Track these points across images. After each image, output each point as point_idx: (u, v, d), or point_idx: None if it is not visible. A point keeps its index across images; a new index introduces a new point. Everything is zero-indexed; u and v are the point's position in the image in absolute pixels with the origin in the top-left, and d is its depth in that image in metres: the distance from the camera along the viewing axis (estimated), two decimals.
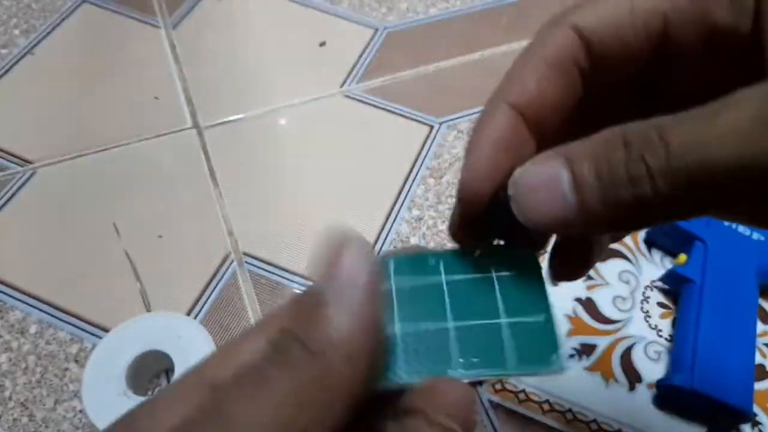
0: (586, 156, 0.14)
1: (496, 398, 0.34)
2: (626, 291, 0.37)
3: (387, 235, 0.41)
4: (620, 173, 0.13)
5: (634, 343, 0.36)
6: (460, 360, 0.14)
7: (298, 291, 0.38)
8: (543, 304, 0.16)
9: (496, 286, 0.16)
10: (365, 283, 0.13)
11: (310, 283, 0.13)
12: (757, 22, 0.14)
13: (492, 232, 0.17)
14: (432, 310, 0.15)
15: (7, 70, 0.48)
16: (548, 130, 0.16)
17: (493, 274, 0.16)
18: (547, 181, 0.14)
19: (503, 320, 0.15)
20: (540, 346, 0.15)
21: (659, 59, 0.15)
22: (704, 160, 0.12)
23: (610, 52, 0.15)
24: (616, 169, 0.13)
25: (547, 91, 0.16)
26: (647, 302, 0.37)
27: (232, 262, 0.39)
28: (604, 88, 0.16)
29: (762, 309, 0.37)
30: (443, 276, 0.16)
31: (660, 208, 0.13)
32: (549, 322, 0.15)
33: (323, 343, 0.12)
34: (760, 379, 0.35)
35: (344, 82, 0.49)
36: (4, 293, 0.38)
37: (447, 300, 0.16)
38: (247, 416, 0.11)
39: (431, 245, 0.40)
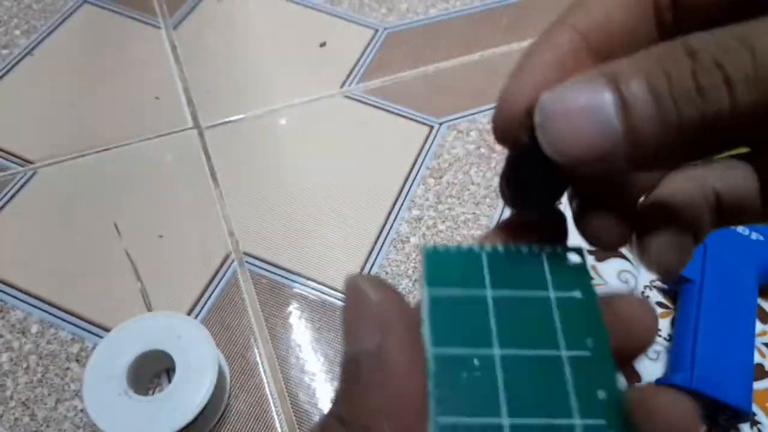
0: (636, 71, 0.11)
1: None
2: (625, 291, 0.37)
3: (387, 235, 0.41)
4: (686, 85, 0.10)
5: None
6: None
7: (299, 292, 0.38)
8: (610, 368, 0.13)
9: (557, 322, 0.13)
10: (405, 362, 0.12)
11: (346, 348, 0.12)
12: None
13: (520, 178, 0.14)
14: (473, 340, 0.12)
15: (9, 71, 0.49)
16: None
17: (551, 294, 0.13)
18: (584, 105, 0.11)
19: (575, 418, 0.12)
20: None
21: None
22: None
23: None
24: (680, 81, 0.10)
25: (616, 19, 0.13)
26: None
27: (233, 261, 0.39)
28: (683, 27, 0.13)
29: (761, 308, 0.37)
30: (488, 289, 0.13)
31: (739, 127, 0.11)
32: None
33: (362, 422, 0.12)
34: (759, 378, 0.35)
35: (344, 82, 0.49)
36: (5, 293, 0.38)
37: (494, 332, 0.13)
38: None
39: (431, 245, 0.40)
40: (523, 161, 0.13)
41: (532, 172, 0.13)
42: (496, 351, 0.13)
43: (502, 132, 0.14)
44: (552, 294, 0.14)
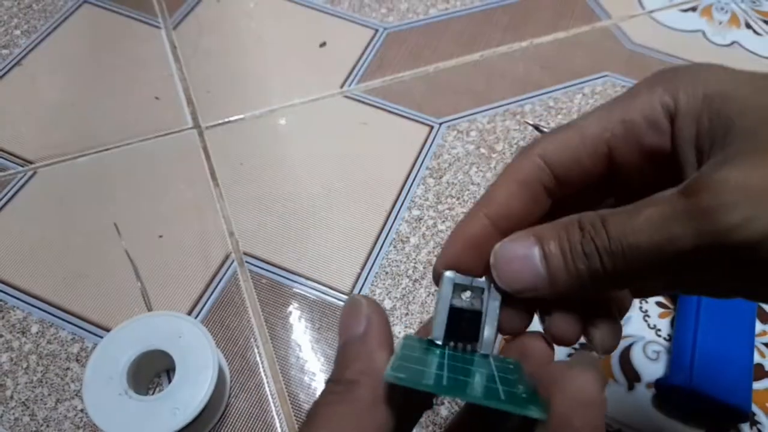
0: (552, 236, 0.18)
1: None
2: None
3: (387, 235, 0.41)
4: (578, 250, 0.17)
5: (633, 343, 0.36)
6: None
7: (299, 293, 0.38)
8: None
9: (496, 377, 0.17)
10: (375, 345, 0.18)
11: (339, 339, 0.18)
12: (673, 141, 0.18)
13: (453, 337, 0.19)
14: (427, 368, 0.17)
15: (9, 71, 0.49)
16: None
17: (492, 365, 0.18)
18: (522, 255, 0.18)
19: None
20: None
21: (610, 171, 0.19)
22: (632, 244, 0.16)
23: (569, 172, 0.19)
24: (575, 247, 0.17)
25: (514, 206, 0.20)
26: (646, 301, 0.37)
27: (233, 261, 0.39)
28: (570, 195, 0.20)
29: (761, 308, 0.37)
30: (445, 358, 0.18)
31: (609, 279, 0.17)
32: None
33: (348, 378, 0.17)
34: (759, 378, 0.35)
35: (344, 82, 0.49)
36: (6, 293, 0.38)
37: (445, 367, 0.17)
38: None
39: (431, 245, 0.40)
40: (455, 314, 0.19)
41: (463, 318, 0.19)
42: (444, 373, 0.17)
43: (435, 278, 0.20)
44: (493, 364, 0.18)
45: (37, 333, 0.36)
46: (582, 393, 0.15)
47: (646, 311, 0.37)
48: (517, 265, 0.18)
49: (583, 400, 0.15)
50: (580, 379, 0.15)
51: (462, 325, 0.19)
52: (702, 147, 0.17)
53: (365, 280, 0.39)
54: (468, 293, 0.19)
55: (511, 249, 0.18)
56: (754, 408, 0.33)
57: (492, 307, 0.19)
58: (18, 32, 0.51)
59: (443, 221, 0.41)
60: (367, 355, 0.17)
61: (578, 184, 0.20)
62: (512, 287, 0.18)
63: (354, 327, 0.18)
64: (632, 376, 0.35)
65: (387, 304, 0.38)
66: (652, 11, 0.55)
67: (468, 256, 0.20)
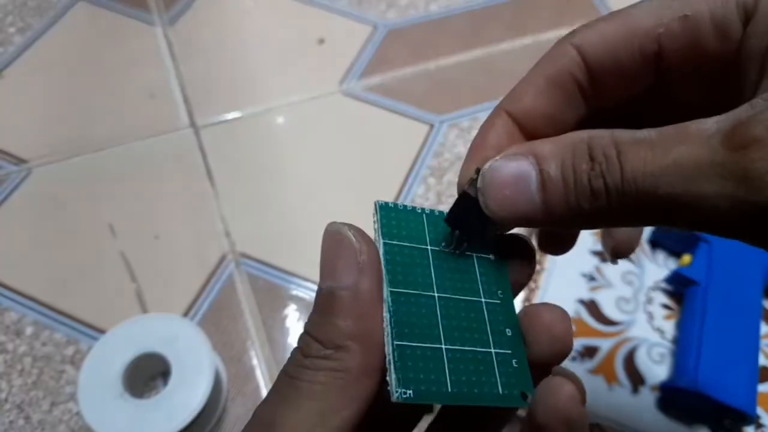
0: (553, 158, 0.15)
1: None
2: (629, 292, 0.37)
3: None
4: (584, 183, 0.14)
5: (638, 345, 0.35)
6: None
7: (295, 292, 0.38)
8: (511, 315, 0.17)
9: (477, 270, 0.18)
10: (365, 290, 0.15)
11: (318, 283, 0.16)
12: (740, 51, 0.15)
13: (456, 225, 0.18)
14: (418, 286, 0.16)
15: (3, 69, 0.48)
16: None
17: (474, 256, 0.18)
18: (515, 178, 0.15)
19: (492, 350, 0.17)
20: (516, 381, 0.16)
21: (656, 78, 0.17)
22: (649, 190, 0.13)
23: (607, 71, 0.16)
24: (581, 179, 0.14)
25: (541, 104, 0.17)
26: (651, 304, 0.37)
27: (230, 262, 0.39)
28: (606, 103, 0.17)
29: (767, 311, 0.36)
30: (429, 245, 0.17)
31: (612, 219, 0.15)
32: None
33: (336, 343, 0.14)
34: (764, 381, 0.34)
35: (343, 79, 0.48)
36: (0, 294, 0.37)
37: (434, 280, 0.17)
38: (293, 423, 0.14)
39: None
40: (467, 204, 0.17)
41: (472, 212, 0.17)
42: (436, 294, 0.17)
43: (459, 188, 0.18)
44: (474, 254, 0.18)
45: (31, 335, 0.36)
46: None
47: (651, 313, 0.36)
48: (509, 190, 0.15)
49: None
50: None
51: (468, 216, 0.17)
52: None
53: None
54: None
55: (504, 168, 0.15)
56: (759, 411, 0.33)
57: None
58: (13, 30, 0.50)
59: None
60: (360, 314, 0.14)
61: (616, 91, 0.17)
62: (499, 216, 0.15)
63: (343, 273, 0.15)
64: (636, 378, 0.34)
65: None
66: None
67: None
